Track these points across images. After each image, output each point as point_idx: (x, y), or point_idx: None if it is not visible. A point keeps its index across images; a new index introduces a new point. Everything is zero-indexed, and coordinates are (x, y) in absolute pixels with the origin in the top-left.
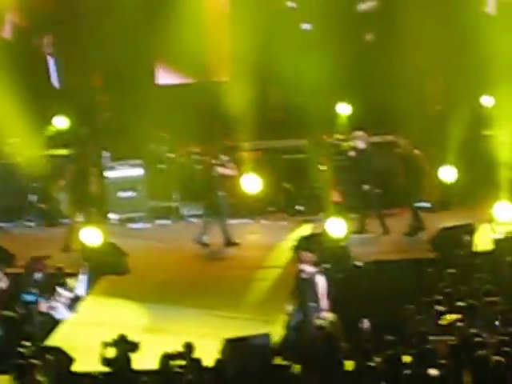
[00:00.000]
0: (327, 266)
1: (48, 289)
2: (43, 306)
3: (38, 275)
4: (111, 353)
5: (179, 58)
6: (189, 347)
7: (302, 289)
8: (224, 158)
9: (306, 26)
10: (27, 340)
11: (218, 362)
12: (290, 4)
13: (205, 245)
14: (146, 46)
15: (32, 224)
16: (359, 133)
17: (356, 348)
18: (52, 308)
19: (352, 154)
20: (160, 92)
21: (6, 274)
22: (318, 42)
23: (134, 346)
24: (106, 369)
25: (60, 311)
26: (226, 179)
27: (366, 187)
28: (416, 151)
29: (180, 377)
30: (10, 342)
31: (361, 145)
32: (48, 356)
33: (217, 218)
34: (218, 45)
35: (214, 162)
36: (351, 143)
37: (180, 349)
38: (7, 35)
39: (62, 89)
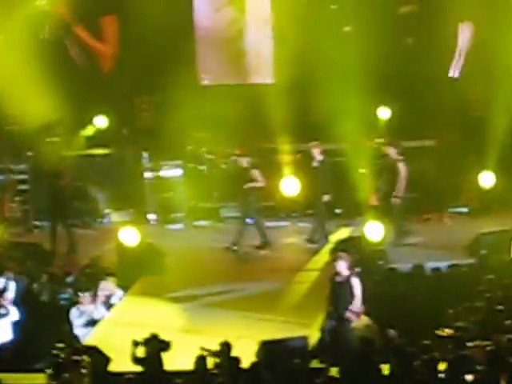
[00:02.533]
0: (364, 269)
1: (85, 288)
2: (85, 304)
3: (75, 274)
4: (142, 352)
5: (222, 60)
6: (226, 346)
7: (338, 292)
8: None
9: (347, 29)
10: (64, 339)
11: (254, 364)
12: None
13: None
14: (189, 45)
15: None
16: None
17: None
18: (93, 307)
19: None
20: (202, 93)
21: (46, 273)
22: (360, 45)
23: (165, 346)
24: (140, 368)
25: (98, 310)
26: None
27: (325, 197)
28: (401, 162)
29: (215, 378)
30: (47, 341)
31: (319, 156)
32: (85, 355)
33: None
34: (260, 47)
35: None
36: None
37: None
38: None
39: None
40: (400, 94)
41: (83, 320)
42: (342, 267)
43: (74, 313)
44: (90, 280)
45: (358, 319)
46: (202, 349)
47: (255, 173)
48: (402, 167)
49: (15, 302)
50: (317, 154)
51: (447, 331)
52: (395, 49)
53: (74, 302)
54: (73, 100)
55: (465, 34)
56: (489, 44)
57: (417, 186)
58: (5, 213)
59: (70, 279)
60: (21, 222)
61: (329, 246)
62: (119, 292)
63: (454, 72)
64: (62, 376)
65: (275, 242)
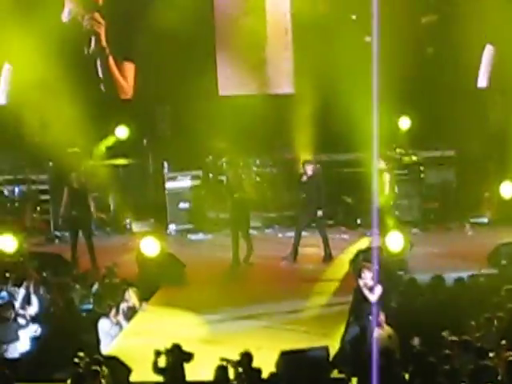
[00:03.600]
0: (385, 279)
1: (107, 299)
2: (112, 315)
3: (95, 285)
4: (164, 361)
5: (242, 70)
6: (247, 357)
7: (362, 302)
8: None
9: (368, 39)
10: (84, 349)
11: (273, 375)
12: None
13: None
14: (209, 56)
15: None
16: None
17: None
18: (118, 318)
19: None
20: (222, 102)
21: (66, 283)
22: (380, 55)
23: (187, 357)
24: (160, 378)
25: (122, 321)
26: None
27: (319, 213)
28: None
29: None
30: (68, 351)
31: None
32: (105, 366)
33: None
34: (280, 57)
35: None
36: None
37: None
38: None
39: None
40: (420, 103)
41: (113, 331)
42: (368, 277)
43: (104, 324)
44: (113, 291)
45: (381, 329)
46: (223, 359)
47: None
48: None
49: (36, 313)
50: (309, 170)
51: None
52: (416, 59)
53: (97, 313)
54: (94, 110)
55: (489, 48)
56: (508, 53)
57: (438, 195)
58: (26, 223)
59: (93, 289)
60: (42, 232)
61: (350, 257)
62: (140, 303)
63: (481, 82)
64: None
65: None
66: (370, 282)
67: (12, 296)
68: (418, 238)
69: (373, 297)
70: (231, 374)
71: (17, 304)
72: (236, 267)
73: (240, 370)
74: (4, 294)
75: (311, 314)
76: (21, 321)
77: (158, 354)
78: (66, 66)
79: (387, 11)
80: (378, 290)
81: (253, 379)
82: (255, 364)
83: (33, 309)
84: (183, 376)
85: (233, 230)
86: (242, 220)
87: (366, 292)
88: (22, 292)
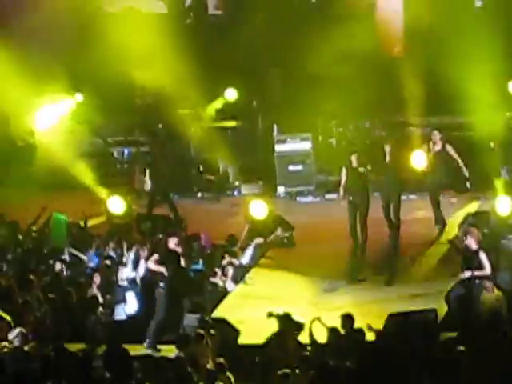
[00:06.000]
0: (492, 243)
1: (216, 259)
2: (218, 276)
3: (202, 245)
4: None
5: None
6: (349, 319)
7: (467, 265)
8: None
9: (478, 4)
10: (196, 310)
11: (380, 335)
12: None
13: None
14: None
15: (201, 195)
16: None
17: None
18: (224, 278)
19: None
20: (330, 66)
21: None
22: (490, 20)
23: (298, 327)
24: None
25: (228, 282)
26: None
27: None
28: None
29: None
30: (179, 313)
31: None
32: (214, 328)
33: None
34: (391, 20)
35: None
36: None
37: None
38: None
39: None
40: None
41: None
42: (471, 242)
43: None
44: (217, 251)
45: (489, 291)
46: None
47: None
48: None
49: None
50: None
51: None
52: None
53: (206, 274)
54: (203, 73)
55: None
56: None
57: None
58: (135, 184)
59: (197, 250)
60: (150, 194)
61: (458, 220)
62: (247, 263)
63: None
64: (189, 347)
65: (405, 215)
66: (475, 246)
67: (120, 258)
68: None
69: (479, 261)
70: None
71: (126, 267)
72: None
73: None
74: (113, 254)
75: (421, 277)
76: (129, 284)
77: (269, 315)
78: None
79: None
80: (483, 254)
81: (357, 341)
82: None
83: (141, 271)
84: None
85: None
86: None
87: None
88: (131, 255)
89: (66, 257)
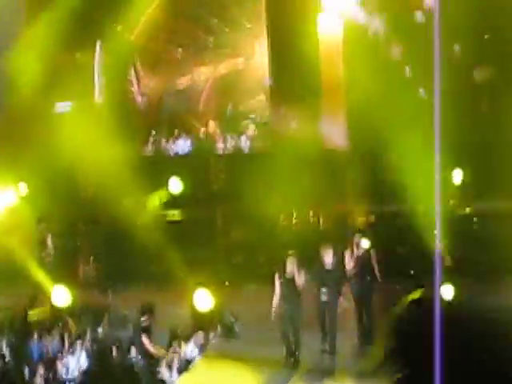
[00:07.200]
0: None
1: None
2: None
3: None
4: None
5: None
6: None
7: None
8: None
9: (423, 94)
10: None
11: None
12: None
13: None
14: None
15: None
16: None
17: None
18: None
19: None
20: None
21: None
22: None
23: None
24: None
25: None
26: None
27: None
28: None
29: None
30: None
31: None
32: None
33: None
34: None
35: None
36: None
37: None
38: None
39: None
40: (474, 158)
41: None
42: None
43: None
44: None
45: None
46: None
47: None
48: None
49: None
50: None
51: None
52: (471, 113)
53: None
54: (146, 164)
55: None
56: None
57: (491, 247)
58: (79, 275)
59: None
60: (95, 284)
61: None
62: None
63: None
64: None
65: None
66: None
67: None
68: (469, 289)
69: None
70: None
71: (69, 358)
72: None
73: None
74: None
75: None
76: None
77: None
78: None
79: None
80: None
81: None
82: None
83: (78, 363)
84: None
85: None
86: None
87: None
88: (73, 346)
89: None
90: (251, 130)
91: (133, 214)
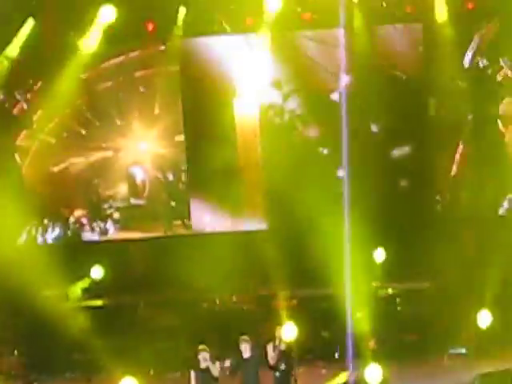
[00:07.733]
0: None
1: None
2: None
3: None
4: None
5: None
6: None
7: None
8: None
9: (341, 173)
10: None
11: None
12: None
13: None
14: None
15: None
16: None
17: None
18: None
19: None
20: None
21: None
22: (353, 188)
23: None
24: None
25: None
26: None
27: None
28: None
29: None
30: None
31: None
32: None
33: None
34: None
35: None
36: None
37: None
38: None
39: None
40: (394, 236)
41: None
42: None
43: None
44: None
45: None
46: None
47: None
48: None
49: None
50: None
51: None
52: (389, 191)
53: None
54: (67, 253)
55: None
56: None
57: (415, 328)
58: (3, 367)
59: None
60: (19, 376)
61: None
62: None
63: None
64: None
65: None
66: None
67: None
68: (395, 371)
69: None
70: None
71: None
72: None
73: None
74: None
75: None
76: None
77: None
78: None
79: (358, 145)
80: None
81: None
82: None
83: None
84: None
85: None
86: None
87: None
88: None
89: None
90: (116, 215)
91: (54, 303)
